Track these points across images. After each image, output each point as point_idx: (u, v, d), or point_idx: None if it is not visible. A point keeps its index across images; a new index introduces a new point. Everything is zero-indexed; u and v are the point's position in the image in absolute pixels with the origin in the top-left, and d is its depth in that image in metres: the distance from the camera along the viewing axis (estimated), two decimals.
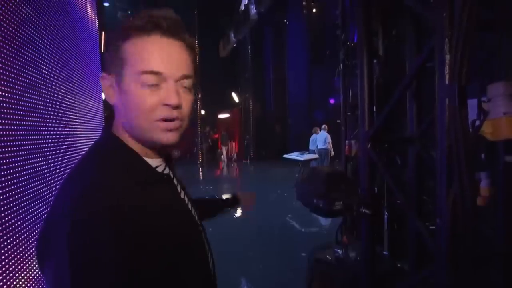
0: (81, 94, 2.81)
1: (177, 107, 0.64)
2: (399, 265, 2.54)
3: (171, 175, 0.77)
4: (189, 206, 0.79)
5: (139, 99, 0.63)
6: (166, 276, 0.64)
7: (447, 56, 1.00)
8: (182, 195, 0.78)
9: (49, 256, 0.60)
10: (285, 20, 15.87)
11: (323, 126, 9.74)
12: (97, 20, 3.92)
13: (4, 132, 1.35)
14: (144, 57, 0.63)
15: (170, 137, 0.66)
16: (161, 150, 0.73)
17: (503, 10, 1.19)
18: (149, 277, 0.60)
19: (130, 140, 0.69)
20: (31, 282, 1.53)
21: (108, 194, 0.59)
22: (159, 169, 0.72)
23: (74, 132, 2.54)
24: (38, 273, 1.61)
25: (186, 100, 0.67)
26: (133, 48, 0.64)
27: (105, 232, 0.56)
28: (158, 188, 0.69)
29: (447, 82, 1.01)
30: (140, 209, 0.61)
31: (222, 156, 16.07)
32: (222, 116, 18.40)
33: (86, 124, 2.94)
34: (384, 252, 2.79)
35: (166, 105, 0.64)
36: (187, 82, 0.67)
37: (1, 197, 1.31)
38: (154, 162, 0.72)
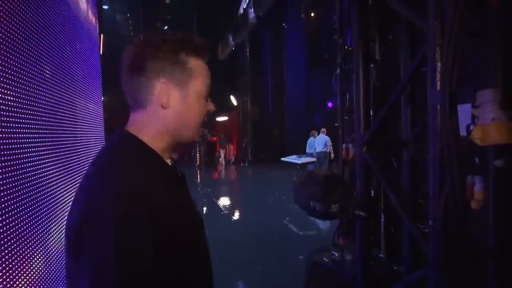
0: (82, 97, 2.83)
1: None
2: (395, 267, 2.56)
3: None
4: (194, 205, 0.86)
5: (201, 105, 0.80)
6: (182, 274, 0.71)
7: (438, 64, 1.03)
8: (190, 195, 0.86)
9: (88, 251, 0.62)
10: (283, 24, 15.96)
11: (322, 129, 9.78)
12: (97, 23, 3.95)
13: (6, 135, 1.37)
14: (207, 77, 0.80)
15: (198, 137, 0.84)
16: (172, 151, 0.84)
17: (489, 20, 1.23)
18: (173, 273, 0.68)
19: (157, 143, 0.77)
20: (32, 282, 1.54)
21: (144, 194, 0.67)
22: (174, 169, 0.82)
23: (75, 135, 2.57)
24: (39, 274, 1.63)
25: None
26: (198, 65, 0.78)
27: (145, 229, 0.63)
28: (177, 187, 0.79)
29: (438, 88, 1.04)
30: (168, 208, 0.69)
31: (220, 159, 16.09)
32: (220, 119, 18.43)
33: (86, 127, 2.97)
34: (381, 255, 2.81)
35: (209, 110, 0.83)
36: None
37: (2, 199, 1.33)
38: (168, 162, 0.81)
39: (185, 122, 0.78)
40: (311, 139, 9.95)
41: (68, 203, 2.23)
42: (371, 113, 2.12)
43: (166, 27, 15.93)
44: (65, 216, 2.00)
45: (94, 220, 0.63)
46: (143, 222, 0.63)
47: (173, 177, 0.80)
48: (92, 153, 3.18)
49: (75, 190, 2.45)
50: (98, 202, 0.64)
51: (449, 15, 1.00)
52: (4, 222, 1.32)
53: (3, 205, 1.32)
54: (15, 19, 1.47)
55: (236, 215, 6.90)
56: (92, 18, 3.70)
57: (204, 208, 7.07)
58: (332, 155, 9.50)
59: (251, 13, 10.40)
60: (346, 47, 3.45)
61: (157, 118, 0.75)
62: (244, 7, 11.01)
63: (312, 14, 14.03)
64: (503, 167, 1.29)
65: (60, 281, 1.88)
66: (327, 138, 9.53)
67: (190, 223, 0.78)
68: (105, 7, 13.97)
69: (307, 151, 9.93)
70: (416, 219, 2.14)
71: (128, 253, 0.61)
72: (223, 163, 15.98)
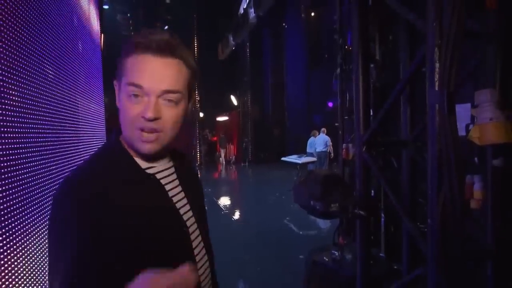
0: (84, 97, 2.85)
1: (153, 119, 0.71)
2: (395, 267, 2.58)
3: (161, 176, 0.81)
4: (179, 207, 0.82)
5: (125, 108, 0.73)
6: (126, 271, 0.65)
7: (437, 64, 1.05)
8: (173, 196, 0.82)
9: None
10: (283, 24, 15.96)
11: (322, 129, 9.78)
12: (99, 24, 3.96)
13: (9, 135, 1.39)
14: (132, 71, 0.71)
15: (148, 147, 0.74)
16: (151, 157, 0.80)
17: (487, 21, 1.25)
18: (107, 267, 0.67)
19: (126, 143, 0.79)
20: (32, 281, 1.56)
21: (90, 182, 0.71)
22: (152, 170, 0.80)
23: (77, 135, 2.58)
24: (39, 273, 1.64)
25: (169, 113, 0.73)
26: (128, 63, 0.72)
27: (70, 207, 0.68)
28: (142, 186, 0.77)
29: (436, 88, 1.05)
30: (112, 200, 0.70)
31: (221, 158, 16.09)
32: (220, 118, 18.44)
33: (88, 127, 2.98)
34: (381, 254, 2.83)
35: (143, 117, 0.70)
36: (172, 96, 0.73)
37: (5, 199, 1.34)
38: (149, 164, 0.80)
39: (122, 124, 0.75)
40: (311, 139, 9.96)
41: None
42: (371, 113, 2.13)
43: (166, 27, 15.94)
44: None
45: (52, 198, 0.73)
46: (68, 203, 0.68)
47: (138, 176, 0.77)
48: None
49: None
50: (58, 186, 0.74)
51: (447, 16, 1.01)
52: (6, 222, 1.33)
53: (5, 205, 1.33)
54: (18, 20, 1.48)
55: (237, 215, 6.92)
56: (93, 18, 3.71)
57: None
58: (332, 154, 9.51)
59: (251, 13, 10.39)
60: (346, 47, 3.47)
61: None
62: (244, 7, 11.01)
63: (312, 14, 14.03)
64: (501, 167, 1.31)
65: None
66: (327, 138, 9.54)
67: (148, 223, 0.73)
68: (105, 7, 13.98)
69: (307, 150, 9.93)
70: (415, 218, 2.15)
71: (55, 228, 0.69)
72: (224, 162, 15.99)
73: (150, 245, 0.72)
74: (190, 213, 0.84)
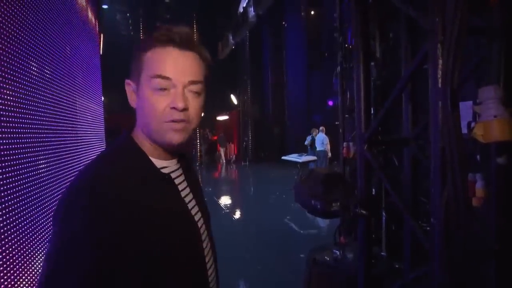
0: (82, 96, 2.83)
1: (183, 110, 0.71)
2: (396, 265, 2.57)
3: (174, 176, 0.80)
4: (190, 208, 0.81)
5: (151, 102, 0.71)
6: (144, 275, 0.66)
7: (440, 61, 1.03)
8: (184, 197, 0.81)
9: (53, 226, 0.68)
10: (283, 22, 15.93)
11: (321, 127, 9.76)
12: (97, 23, 3.95)
13: (8, 135, 1.37)
14: (156, 64, 0.71)
15: (177, 137, 0.73)
16: (174, 151, 0.79)
17: (491, 17, 1.23)
18: (124, 272, 0.64)
19: (145, 142, 0.76)
20: (33, 281, 1.55)
21: (107, 185, 0.66)
22: (166, 170, 0.77)
23: (76, 134, 2.57)
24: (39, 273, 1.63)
25: (194, 104, 0.74)
26: (150, 58, 0.72)
27: (81, 215, 0.63)
28: (157, 187, 0.74)
29: (439, 86, 1.04)
30: (133, 204, 0.67)
31: (221, 158, 16.09)
32: (220, 118, 18.44)
33: (87, 126, 2.96)
34: (382, 253, 2.82)
35: (174, 108, 0.70)
36: (195, 87, 0.74)
37: (5, 198, 1.33)
38: (163, 163, 0.78)
39: (145, 123, 0.74)
40: (311, 137, 9.96)
41: None
42: (372, 111, 2.11)
43: None
44: None
45: (58, 203, 0.67)
46: (78, 210, 0.63)
47: (154, 176, 0.75)
48: (93, 152, 3.17)
49: None
50: (66, 189, 0.68)
51: (450, 12, 1.00)
52: (5, 222, 1.32)
53: (4, 205, 1.32)
54: (15, 20, 1.47)
55: (237, 214, 6.91)
56: (92, 17, 3.69)
57: None
58: (329, 154, 9.49)
59: (251, 12, 10.37)
60: (346, 45, 3.45)
61: (137, 121, 0.77)
62: (244, 5, 10.99)
63: (312, 13, 14.01)
64: (505, 164, 1.29)
65: None
66: (323, 136, 9.51)
67: (164, 223, 0.72)
68: (104, 6, 13.95)
69: (309, 149, 9.95)
70: (417, 217, 2.14)
71: (61, 240, 0.63)
72: (224, 162, 15.98)
73: (167, 250, 0.70)
74: (199, 215, 0.83)
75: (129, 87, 0.76)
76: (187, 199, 0.81)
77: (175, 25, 0.74)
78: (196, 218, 0.81)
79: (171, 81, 0.70)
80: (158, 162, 0.76)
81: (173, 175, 0.79)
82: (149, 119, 0.72)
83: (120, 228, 0.64)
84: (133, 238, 0.65)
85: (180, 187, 0.81)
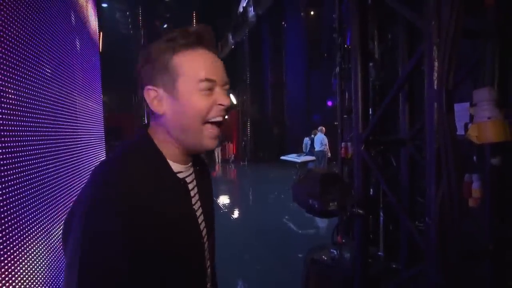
0: (82, 96, 2.84)
1: (228, 107, 0.74)
2: (394, 266, 2.58)
3: (188, 181, 0.79)
4: (198, 215, 0.80)
5: (197, 103, 0.71)
6: (152, 282, 0.66)
7: (436, 63, 1.05)
8: (194, 203, 0.80)
9: (68, 236, 0.65)
10: (283, 23, 15.94)
11: (319, 128, 9.77)
12: (97, 22, 3.95)
13: (8, 133, 1.38)
14: (199, 68, 0.72)
15: (213, 143, 0.75)
16: (196, 155, 0.80)
17: (486, 20, 1.25)
18: (138, 276, 0.64)
19: (168, 145, 0.75)
20: (33, 281, 1.56)
21: (125, 192, 0.64)
22: (181, 175, 0.77)
23: (76, 133, 2.57)
24: (39, 273, 1.64)
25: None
26: (184, 61, 0.72)
27: (114, 221, 0.62)
28: (173, 192, 0.74)
29: (435, 87, 1.05)
30: (148, 210, 0.66)
31: (216, 158, 16.02)
32: None
33: (87, 125, 2.97)
34: (379, 253, 2.83)
35: (220, 105, 0.73)
36: (228, 87, 0.78)
37: (4, 197, 1.33)
38: (180, 167, 0.77)
39: (183, 126, 0.72)
40: (311, 138, 9.98)
41: (69, 199, 2.24)
42: (370, 112, 2.13)
43: (165, 25, 15.91)
44: (66, 214, 2.01)
45: (76, 209, 0.65)
46: (113, 217, 0.62)
47: (170, 181, 0.74)
48: (93, 151, 3.18)
49: (76, 187, 2.46)
50: (84, 191, 0.66)
51: (445, 14, 1.01)
52: (6, 224, 1.33)
53: (3, 203, 1.33)
54: (15, 18, 1.48)
55: (236, 214, 6.92)
56: (91, 16, 3.70)
57: None
58: (329, 154, 9.49)
59: (251, 12, 10.39)
60: (345, 46, 3.46)
61: (161, 125, 0.74)
62: (244, 5, 11.01)
63: (312, 13, 14.02)
64: (499, 165, 1.31)
65: (62, 279, 1.89)
66: (322, 137, 9.52)
67: (174, 230, 0.71)
68: (104, 5, 13.94)
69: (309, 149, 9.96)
70: (414, 217, 2.15)
71: (94, 246, 0.61)
72: (219, 161, 15.94)
73: (173, 257, 0.70)
74: (203, 224, 0.82)
75: (153, 93, 0.73)
76: (196, 206, 0.80)
77: (196, 26, 0.75)
78: (201, 226, 0.81)
79: (215, 83, 0.73)
80: (175, 166, 0.75)
81: (187, 180, 0.79)
82: (190, 122, 0.71)
83: (144, 233, 0.64)
84: (150, 243, 0.65)
85: (192, 193, 0.80)
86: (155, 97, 0.73)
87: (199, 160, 0.88)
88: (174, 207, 0.72)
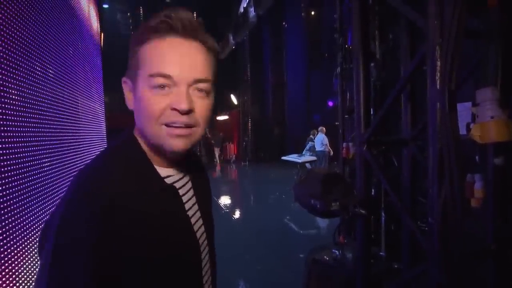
0: (84, 96, 2.84)
1: (187, 112, 0.61)
2: (395, 266, 2.58)
3: (178, 186, 0.73)
4: (193, 222, 0.74)
5: (148, 102, 0.61)
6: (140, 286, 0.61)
7: (438, 62, 1.05)
8: (188, 210, 0.74)
9: (46, 240, 0.60)
10: (283, 23, 15.95)
11: (320, 128, 9.76)
12: (98, 23, 3.96)
13: (10, 134, 1.38)
14: (155, 60, 0.61)
15: (178, 144, 0.63)
16: (176, 158, 0.70)
17: (488, 20, 1.24)
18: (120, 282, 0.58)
19: (146, 148, 0.67)
20: (33, 281, 1.56)
21: (103, 194, 0.58)
22: (169, 180, 0.70)
23: (78, 134, 2.58)
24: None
25: (201, 105, 0.64)
26: (148, 51, 0.62)
27: (90, 225, 0.56)
28: (160, 198, 0.66)
29: (438, 87, 1.05)
30: (131, 216, 0.60)
31: (215, 158, 16.02)
32: (220, 118, 18.45)
33: (89, 126, 2.97)
34: (381, 253, 2.83)
35: (174, 109, 0.61)
36: (203, 86, 0.64)
37: (7, 197, 1.34)
38: (168, 171, 0.70)
39: (142, 126, 0.64)
40: (311, 143, 9.96)
41: None
42: (372, 112, 2.12)
43: None
44: None
45: (56, 211, 0.60)
46: (90, 217, 0.56)
47: (157, 186, 0.66)
48: (95, 151, 3.19)
49: None
50: (62, 198, 0.61)
51: (448, 14, 1.01)
52: (6, 222, 1.33)
53: (5, 204, 1.33)
54: (18, 19, 1.48)
55: (237, 214, 6.92)
56: (92, 17, 3.70)
57: None
58: (331, 153, 9.48)
59: (251, 12, 10.39)
60: (346, 46, 3.47)
61: (135, 123, 0.68)
62: (244, 6, 11.00)
63: (313, 13, 14.02)
64: (502, 165, 1.31)
65: None
66: (323, 137, 9.52)
67: (162, 237, 0.64)
68: (105, 6, 13.97)
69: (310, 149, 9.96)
70: (416, 217, 2.15)
71: (64, 251, 0.56)
72: (218, 162, 15.94)
73: (163, 264, 0.63)
74: (203, 228, 0.78)
75: (126, 85, 0.67)
76: (190, 212, 0.74)
77: (177, 10, 0.63)
78: (198, 233, 0.75)
79: (173, 79, 0.60)
80: (162, 171, 0.69)
81: (177, 185, 0.72)
82: (146, 122, 0.62)
83: (121, 238, 0.58)
84: (130, 249, 0.59)
85: (184, 198, 0.73)
86: (129, 91, 0.66)
87: (195, 161, 0.83)
88: (160, 215, 0.65)
